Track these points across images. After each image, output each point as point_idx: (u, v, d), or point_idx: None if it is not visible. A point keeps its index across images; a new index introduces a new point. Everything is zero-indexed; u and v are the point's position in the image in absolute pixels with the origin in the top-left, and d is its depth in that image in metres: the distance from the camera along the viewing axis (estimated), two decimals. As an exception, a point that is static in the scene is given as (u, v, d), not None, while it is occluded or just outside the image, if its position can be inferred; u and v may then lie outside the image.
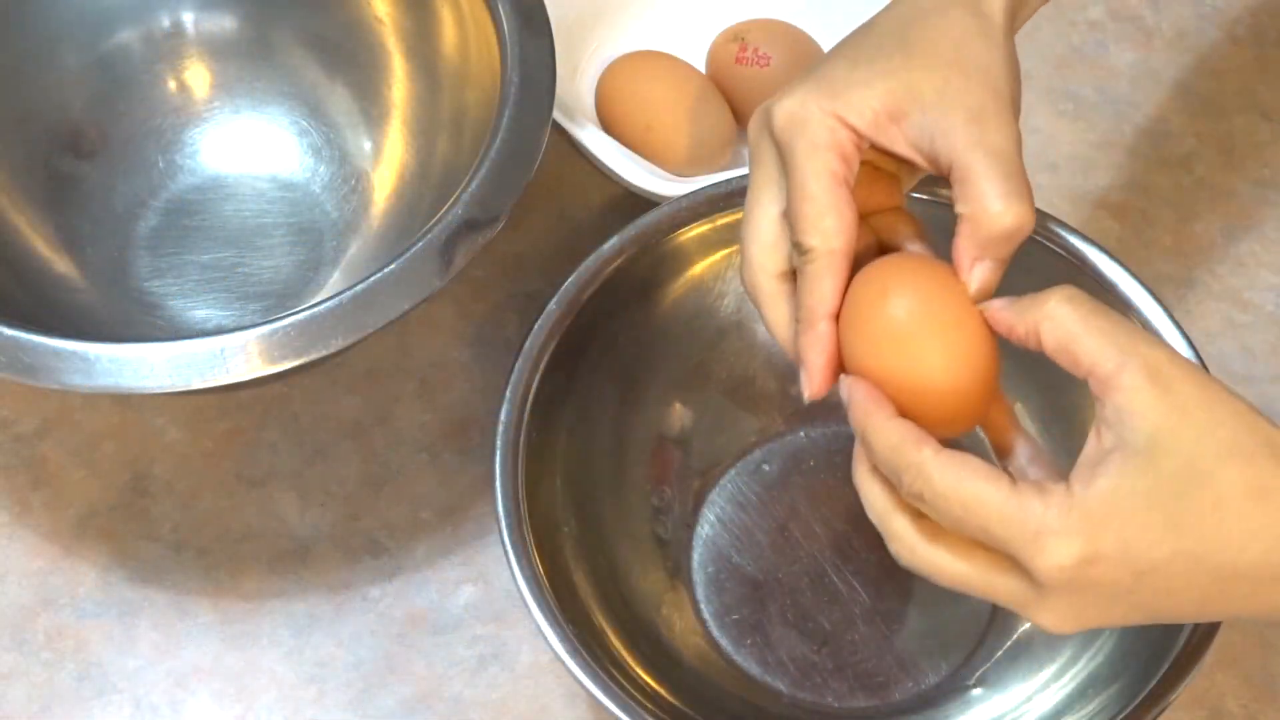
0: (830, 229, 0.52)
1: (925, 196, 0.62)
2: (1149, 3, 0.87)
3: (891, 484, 0.50)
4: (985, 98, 0.52)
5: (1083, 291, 0.50)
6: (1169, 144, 0.83)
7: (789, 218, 0.53)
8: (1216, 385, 0.48)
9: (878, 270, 0.53)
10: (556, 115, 0.70)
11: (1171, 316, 0.63)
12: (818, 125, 0.52)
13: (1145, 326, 0.63)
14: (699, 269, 0.68)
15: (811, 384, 0.53)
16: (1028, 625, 0.66)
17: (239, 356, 0.60)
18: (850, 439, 0.52)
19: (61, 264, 0.73)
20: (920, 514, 0.50)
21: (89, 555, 0.70)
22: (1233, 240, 0.80)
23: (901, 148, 0.53)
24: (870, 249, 0.55)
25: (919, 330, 0.51)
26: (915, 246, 0.55)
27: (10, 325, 0.60)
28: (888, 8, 0.56)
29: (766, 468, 0.71)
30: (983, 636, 0.66)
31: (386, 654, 0.68)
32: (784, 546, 0.69)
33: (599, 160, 0.73)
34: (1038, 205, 0.65)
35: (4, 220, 0.72)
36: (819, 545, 0.69)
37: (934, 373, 0.51)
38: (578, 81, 0.81)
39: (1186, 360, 0.48)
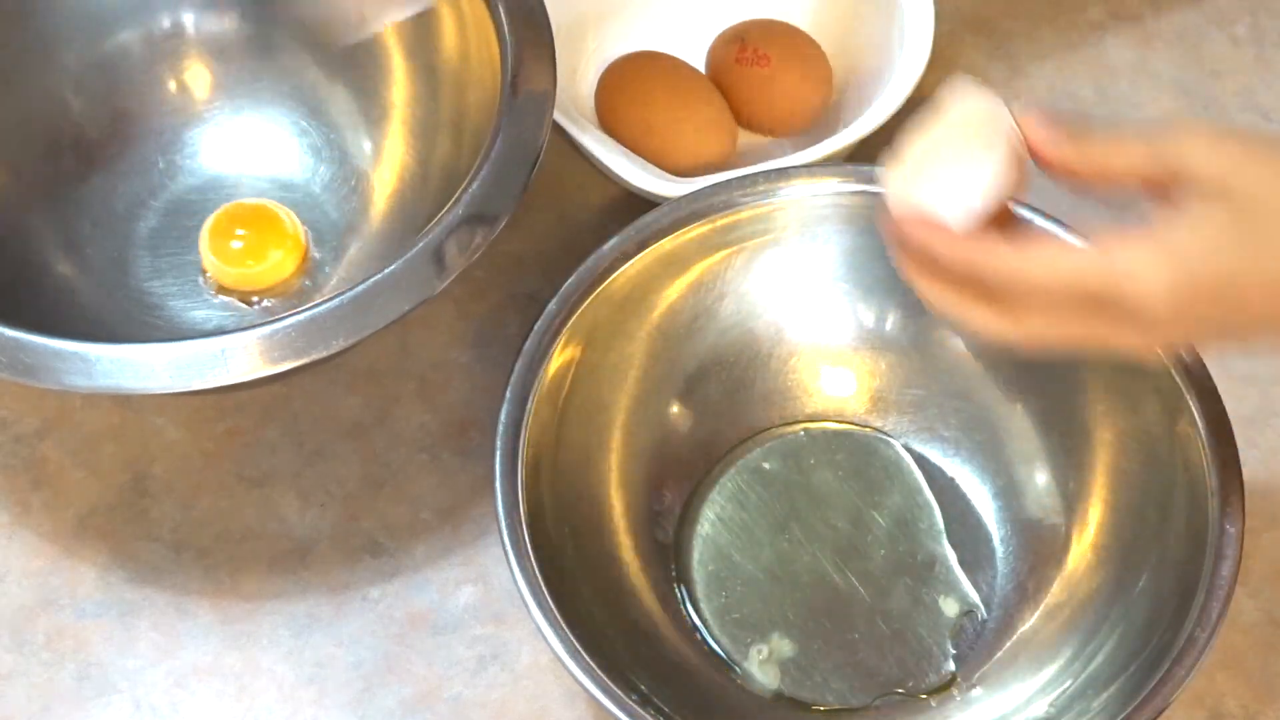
0: None
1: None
2: (1149, 3, 0.87)
3: (954, 282, 0.53)
4: None
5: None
6: (1169, 144, 0.82)
7: None
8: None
9: None
10: (556, 115, 0.70)
11: (1171, 316, 0.63)
12: None
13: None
14: (699, 270, 0.68)
15: None
16: (1028, 626, 0.66)
17: (239, 357, 0.60)
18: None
19: (61, 264, 0.73)
20: (992, 296, 0.53)
21: (89, 555, 0.70)
22: (1233, 240, 0.80)
23: None
24: None
25: None
26: None
27: (10, 325, 0.60)
28: None
29: (766, 467, 0.71)
30: (984, 637, 0.66)
31: (386, 654, 0.68)
32: (784, 546, 0.69)
33: (599, 160, 0.73)
34: (1038, 205, 0.65)
35: (4, 220, 0.72)
36: (819, 544, 0.68)
37: None
38: (578, 81, 0.81)
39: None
